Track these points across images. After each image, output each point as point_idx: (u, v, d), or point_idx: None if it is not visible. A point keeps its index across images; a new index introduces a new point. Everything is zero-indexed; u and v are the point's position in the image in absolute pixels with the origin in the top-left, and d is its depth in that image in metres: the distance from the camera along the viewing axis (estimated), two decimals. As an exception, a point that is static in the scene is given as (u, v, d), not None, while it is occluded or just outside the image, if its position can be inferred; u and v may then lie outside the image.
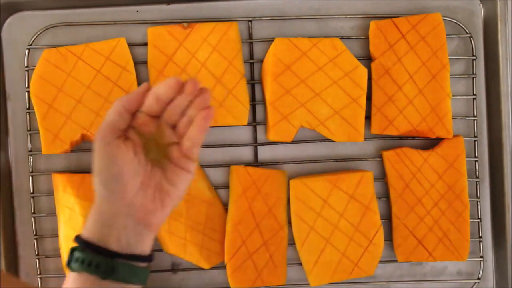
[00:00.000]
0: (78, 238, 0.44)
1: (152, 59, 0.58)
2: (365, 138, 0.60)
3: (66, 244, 0.58)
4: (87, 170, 0.59)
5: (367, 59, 0.61)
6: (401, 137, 0.62)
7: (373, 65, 0.59)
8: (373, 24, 0.60)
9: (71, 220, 0.57)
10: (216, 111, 0.58)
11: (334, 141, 0.60)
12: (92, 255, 0.43)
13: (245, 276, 0.58)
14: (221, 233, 0.59)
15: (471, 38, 0.62)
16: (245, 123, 0.59)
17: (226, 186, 0.61)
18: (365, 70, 0.59)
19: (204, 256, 0.59)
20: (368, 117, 0.60)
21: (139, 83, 0.59)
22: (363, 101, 0.59)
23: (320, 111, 0.58)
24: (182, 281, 0.62)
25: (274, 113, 0.58)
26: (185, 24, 0.58)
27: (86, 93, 0.57)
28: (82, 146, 0.60)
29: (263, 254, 0.59)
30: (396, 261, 0.61)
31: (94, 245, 0.43)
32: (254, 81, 0.61)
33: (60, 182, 0.58)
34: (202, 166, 0.61)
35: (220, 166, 0.61)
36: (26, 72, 0.59)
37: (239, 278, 0.58)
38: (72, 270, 0.43)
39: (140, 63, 0.60)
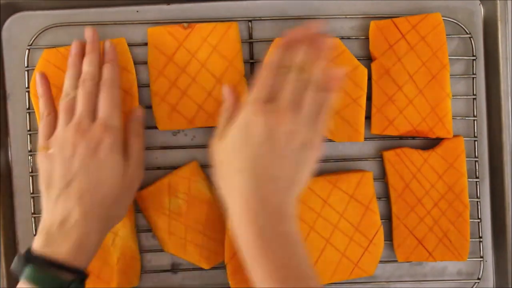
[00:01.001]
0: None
1: (152, 59, 0.58)
2: (365, 138, 0.60)
3: None
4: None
5: (367, 59, 0.61)
6: (401, 137, 0.62)
7: (373, 65, 0.59)
8: (373, 24, 0.60)
9: None
10: (217, 112, 0.58)
11: (334, 141, 0.60)
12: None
13: (246, 276, 0.58)
14: (221, 233, 0.59)
15: (471, 38, 0.62)
16: None
17: (226, 186, 0.61)
18: (365, 70, 0.59)
19: (204, 256, 0.59)
20: (368, 117, 0.60)
21: (139, 83, 0.59)
22: (363, 101, 0.59)
23: None
24: (182, 281, 0.62)
25: None
26: (185, 24, 0.58)
27: None
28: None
29: None
30: (396, 261, 0.61)
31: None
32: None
33: None
34: (202, 166, 0.61)
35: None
36: (26, 72, 0.59)
37: (240, 278, 0.58)
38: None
39: (140, 63, 0.60)
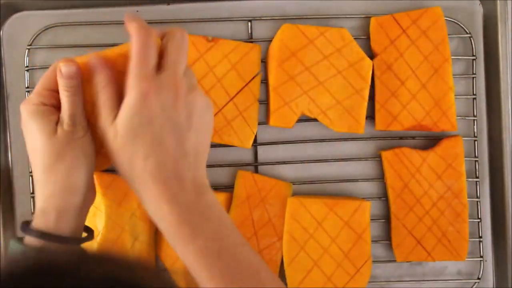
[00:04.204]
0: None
1: None
2: (365, 138, 0.60)
3: None
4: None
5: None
6: (400, 137, 0.62)
7: (375, 61, 0.59)
8: (373, 20, 0.60)
9: (94, 218, 0.57)
10: (223, 129, 0.58)
11: (334, 140, 0.60)
12: None
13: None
14: None
15: (471, 38, 0.62)
16: (249, 146, 0.59)
17: (225, 186, 0.61)
18: (371, 63, 0.58)
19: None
20: (372, 116, 0.60)
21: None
22: (366, 93, 0.58)
23: (323, 100, 0.58)
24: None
25: (276, 99, 0.58)
26: (209, 37, 0.58)
27: None
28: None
29: None
30: (395, 261, 0.61)
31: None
32: (253, 81, 0.61)
33: None
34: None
35: (220, 166, 0.61)
36: (26, 72, 0.59)
37: None
38: None
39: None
